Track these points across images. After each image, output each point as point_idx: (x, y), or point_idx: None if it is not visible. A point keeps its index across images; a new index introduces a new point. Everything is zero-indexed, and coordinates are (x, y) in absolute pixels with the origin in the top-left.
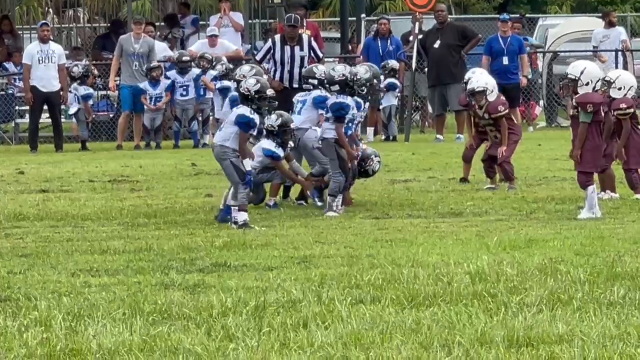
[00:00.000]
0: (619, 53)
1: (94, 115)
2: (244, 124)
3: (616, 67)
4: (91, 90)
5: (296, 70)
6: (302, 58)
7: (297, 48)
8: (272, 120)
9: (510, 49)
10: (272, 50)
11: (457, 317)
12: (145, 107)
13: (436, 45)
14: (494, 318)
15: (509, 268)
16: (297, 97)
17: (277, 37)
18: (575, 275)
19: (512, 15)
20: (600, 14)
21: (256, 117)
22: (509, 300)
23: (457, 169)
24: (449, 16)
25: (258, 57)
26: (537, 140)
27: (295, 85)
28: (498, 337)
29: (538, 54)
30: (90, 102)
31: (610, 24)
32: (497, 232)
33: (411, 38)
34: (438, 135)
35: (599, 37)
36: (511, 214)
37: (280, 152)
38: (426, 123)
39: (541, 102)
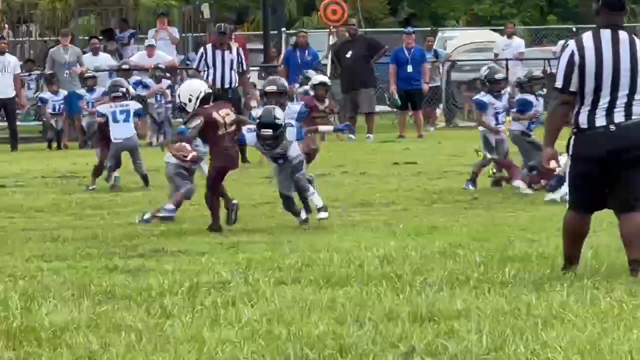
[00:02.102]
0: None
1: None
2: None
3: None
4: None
5: (227, 72)
6: (231, 60)
7: (227, 52)
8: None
9: (413, 59)
10: (204, 56)
11: (367, 296)
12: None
13: (348, 55)
14: (400, 296)
15: (413, 252)
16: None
17: (209, 45)
18: (472, 258)
19: (417, 29)
20: (493, 27)
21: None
22: (413, 281)
23: (367, 164)
24: (359, 30)
25: (195, 66)
26: (438, 139)
27: (227, 86)
28: (404, 313)
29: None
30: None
31: (510, 35)
32: (402, 221)
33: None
34: (350, 135)
35: (500, 46)
36: (415, 204)
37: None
38: None
39: (441, 106)
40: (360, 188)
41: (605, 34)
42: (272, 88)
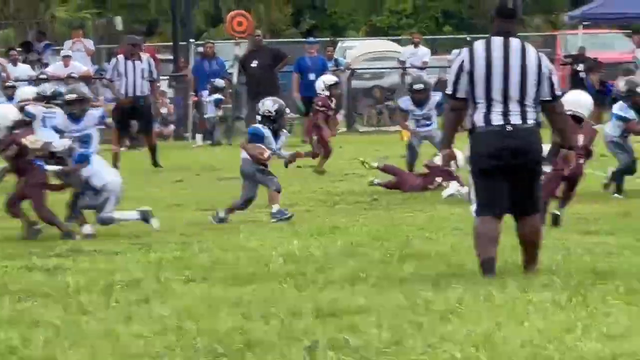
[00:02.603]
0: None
1: None
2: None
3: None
4: None
5: (138, 80)
6: (142, 70)
7: (137, 62)
8: (269, 106)
9: (316, 67)
10: (116, 66)
11: (272, 293)
12: None
13: (253, 64)
14: (303, 293)
15: (316, 251)
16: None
17: (120, 55)
18: (372, 256)
19: (319, 39)
20: (391, 38)
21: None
22: (316, 278)
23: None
24: (264, 40)
25: (108, 76)
26: (339, 143)
27: (138, 94)
28: (307, 309)
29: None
30: None
31: (416, 44)
32: (306, 221)
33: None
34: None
35: (406, 55)
36: (318, 205)
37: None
38: None
39: (342, 112)
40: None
41: (497, 42)
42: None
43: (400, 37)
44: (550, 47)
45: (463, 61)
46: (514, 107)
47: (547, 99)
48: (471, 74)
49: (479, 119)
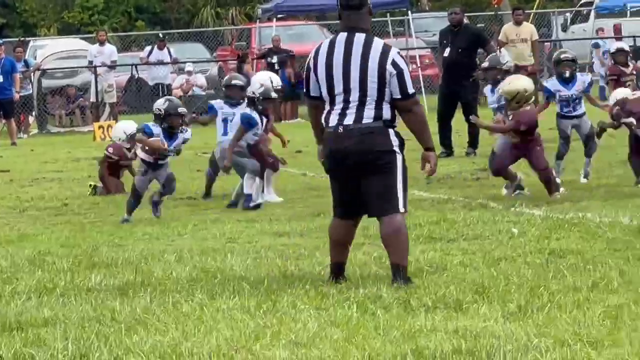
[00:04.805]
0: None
1: None
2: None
3: None
4: None
5: None
6: None
7: None
8: (255, 87)
9: (4, 69)
10: None
11: None
12: None
13: None
14: None
15: (3, 261)
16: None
17: None
18: (60, 265)
19: (8, 39)
20: (84, 36)
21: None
22: (3, 290)
23: None
24: None
25: None
26: (30, 146)
27: None
28: None
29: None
30: None
31: (102, 43)
32: None
33: None
34: None
35: (93, 53)
36: (7, 212)
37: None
38: None
39: (34, 113)
40: None
41: (341, 37)
42: None
43: (92, 35)
44: (246, 39)
45: (310, 59)
46: (353, 107)
47: (397, 97)
48: (315, 73)
49: (324, 119)
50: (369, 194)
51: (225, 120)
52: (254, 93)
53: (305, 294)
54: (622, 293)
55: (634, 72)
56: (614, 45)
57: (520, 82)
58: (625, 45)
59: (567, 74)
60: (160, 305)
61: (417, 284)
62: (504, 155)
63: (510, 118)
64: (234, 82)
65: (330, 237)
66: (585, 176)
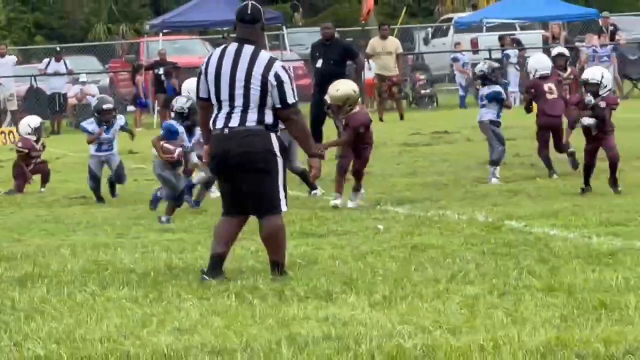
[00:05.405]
0: None
1: None
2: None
3: None
4: None
5: None
6: None
7: None
8: (182, 102)
9: None
10: None
11: None
12: None
13: None
14: None
15: None
16: None
17: None
18: None
19: None
20: None
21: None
22: None
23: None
24: None
25: None
26: None
27: None
28: None
29: None
30: None
31: (2, 55)
32: None
33: None
34: None
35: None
36: None
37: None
38: None
39: None
40: None
41: (232, 48)
42: None
43: None
44: (135, 53)
45: (203, 64)
46: (237, 111)
47: (278, 106)
48: (206, 77)
49: (212, 122)
50: (251, 195)
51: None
52: (182, 108)
53: (188, 285)
54: (478, 284)
55: (572, 76)
56: (554, 50)
57: (348, 86)
58: (565, 50)
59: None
60: (56, 295)
61: (290, 276)
62: (349, 155)
63: (343, 123)
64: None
65: (214, 231)
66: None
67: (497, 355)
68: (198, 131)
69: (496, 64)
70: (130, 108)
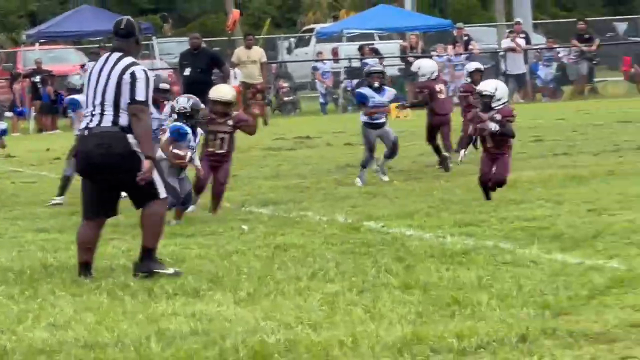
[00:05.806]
0: None
1: None
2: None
3: None
4: None
5: None
6: None
7: None
8: (183, 102)
9: None
10: None
11: None
12: None
13: None
14: None
15: None
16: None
17: None
18: None
19: None
20: None
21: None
22: None
23: None
24: None
25: None
26: None
27: None
28: None
29: None
30: None
31: None
32: None
33: None
34: None
35: None
36: None
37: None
38: None
39: None
40: None
41: (104, 56)
42: None
43: None
44: (13, 61)
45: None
46: (97, 113)
47: (128, 101)
48: (86, 81)
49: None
50: (129, 192)
51: None
52: (184, 108)
53: (62, 283)
54: (337, 282)
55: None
56: (471, 65)
57: (231, 91)
58: (480, 65)
59: (377, 84)
60: None
61: (162, 261)
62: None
63: (230, 123)
64: None
65: (77, 239)
66: (384, 173)
67: (356, 349)
68: (199, 131)
69: (379, 67)
70: (8, 114)
